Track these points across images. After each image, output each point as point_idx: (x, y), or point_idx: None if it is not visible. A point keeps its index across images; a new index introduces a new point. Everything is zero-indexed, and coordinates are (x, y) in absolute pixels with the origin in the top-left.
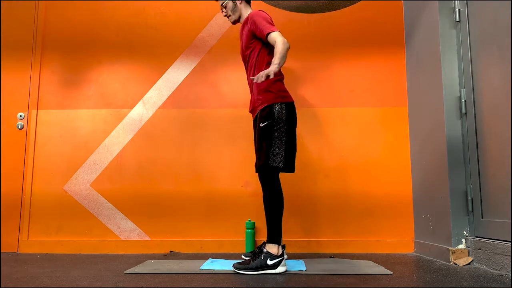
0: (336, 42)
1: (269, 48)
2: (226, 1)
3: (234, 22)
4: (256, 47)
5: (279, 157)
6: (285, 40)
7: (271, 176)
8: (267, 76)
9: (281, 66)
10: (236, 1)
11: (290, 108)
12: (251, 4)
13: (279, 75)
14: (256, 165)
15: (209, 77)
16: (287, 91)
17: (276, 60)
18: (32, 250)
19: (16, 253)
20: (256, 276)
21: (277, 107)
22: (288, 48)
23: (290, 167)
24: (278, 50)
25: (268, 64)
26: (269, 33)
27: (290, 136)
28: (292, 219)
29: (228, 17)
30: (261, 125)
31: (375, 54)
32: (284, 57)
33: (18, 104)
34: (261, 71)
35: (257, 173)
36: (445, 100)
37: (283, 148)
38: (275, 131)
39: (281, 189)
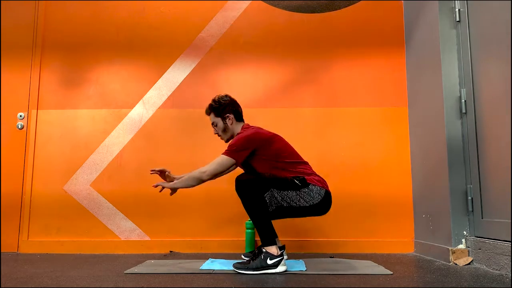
0: (336, 42)
1: (266, 158)
2: (215, 119)
3: (227, 141)
4: (253, 159)
5: (274, 203)
6: (207, 173)
7: (252, 190)
8: (172, 189)
9: (180, 187)
10: (227, 122)
11: (327, 197)
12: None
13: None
14: (244, 177)
15: (209, 77)
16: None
17: (178, 181)
18: (32, 250)
19: (16, 253)
20: (256, 276)
21: (317, 188)
22: (198, 179)
23: (271, 217)
24: (190, 174)
25: (285, 172)
26: (222, 154)
27: (295, 212)
28: (292, 219)
29: (219, 136)
30: (296, 181)
31: (375, 54)
32: (187, 182)
33: (18, 104)
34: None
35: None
36: (445, 100)
37: (283, 207)
38: (299, 196)
39: (259, 191)
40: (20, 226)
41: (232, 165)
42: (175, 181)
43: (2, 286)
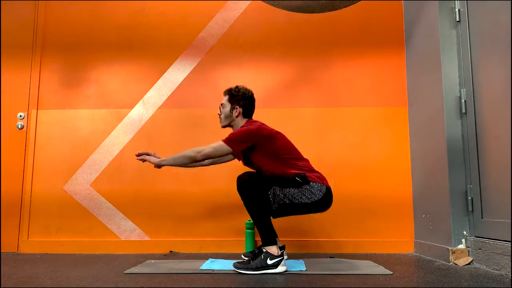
0: (336, 42)
1: (266, 154)
2: (226, 103)
3: (224, 127)
4: (253, 153)
5: (277, 201)
6: (202, 153)
7: (254, 190)
8: (156, 165)
9: (166, 164)
10: (233, 111)
11: (328, 193)
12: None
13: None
14: (245, 176)
15: (209, 77)
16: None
17: (168, 158)
18: (32, 250)
19: (16, 253)
20: (256, 276)
21: (318, 185)
22: (189, 157)
23: (275, 215)
24: (184, 152)
25: (285, 169)
26: (221, 140)
27: (298, 209)
28: (292, 219)
29: (219, 117)
30: (297, 178)
31: (375, 54)
32: (177, 160)
33: (18, 104)
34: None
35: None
36: (445, 100)
37: (286, 204)
38: (301, 193)
39: (260, 191)
40: (20, 226)
41: (228, 153)
42: (163, 158)
43: (2, 286)
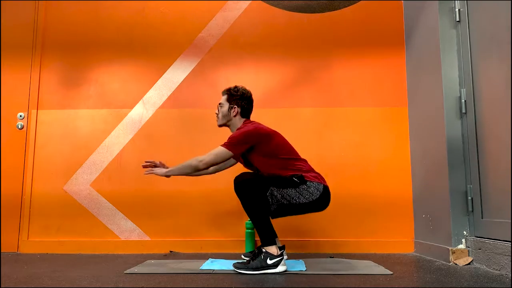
0: (336, 42)
1: (264, 154)
2: (224, 102)
3: (220, 126)
4: (251, 154)
5: (275, 202)
6: (203, 162)
7: (251, 190)
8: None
9: (173, 175)
10: (231, 111)
11: (326, 192)
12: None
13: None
14: (242, 177)
15: (209, 77)
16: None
17: (171, 168)
18: (32, 250)
19: (16, 253)
20: (256, 276)
21: (315, 184)
22: (193, 168)
23: (273, 216)
24: (187, 162)
25: (283, 169)
26: (220, 145)
27: (296, 209)
28: (292, 219)
29: (216, 116)
30: (294, 179)
31: (375, 54)
32: (182, 170)
33: (18, 104)
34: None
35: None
36: (445, 100)
37: (284, 204)
38: (298, 193)
39: (258, 191)
40: (20, 226)
41: (229, 157)
42: (168, 169)
43: (2, 286)
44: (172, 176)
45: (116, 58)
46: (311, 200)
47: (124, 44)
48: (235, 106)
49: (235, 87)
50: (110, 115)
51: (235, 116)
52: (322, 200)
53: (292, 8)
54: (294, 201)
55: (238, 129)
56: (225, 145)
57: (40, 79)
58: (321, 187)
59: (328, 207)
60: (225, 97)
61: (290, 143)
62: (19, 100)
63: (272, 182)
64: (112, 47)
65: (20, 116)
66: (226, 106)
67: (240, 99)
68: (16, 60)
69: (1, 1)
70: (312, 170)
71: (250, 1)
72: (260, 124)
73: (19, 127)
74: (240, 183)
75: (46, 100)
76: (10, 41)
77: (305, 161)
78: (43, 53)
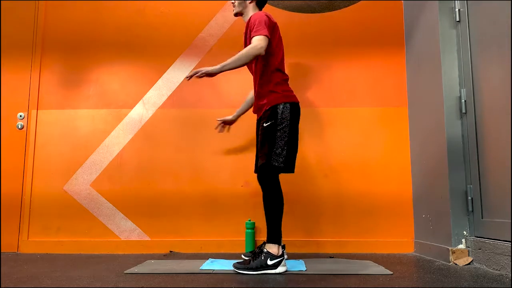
0: (336, 42)
1: (272, 53)
2: None
3: (236, 15)
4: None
5: (281, 157)
6: (259, 46)
7: (272, 176)
8: (207, 74)
9: (228, 69)
10: None
11: (294, 108)
12: (263, 9)
13: (283, 76)
14: (256, 165)
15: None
16: (291, 91)
17: (226, 62)
18: (32, 250)
19: (16, 253)
20: (256, 276)
21: (281, 106)
22: (252, 55)
23: (290, 168)
24: (240, 52)
25: (276, 70)
26: (255, 36)
27: (292, 137)
28: (292, 219)
29: (232, 5)
30: (264, 125)
31: (375, 54)
32: (238, 61)
33: (18, 104)
34: (266, 76)
35: (256, 173)
36: (445, 100)
37: (285, 148)
38: (278, 131)
39: (281, 189)
40: (20, 226)
41: (267, 41)
42: (221, 64)
43: (2, 286)
44: (172, 176)
45: (116, 58)
46: (288, 123)
47: (124, 44)
48: None
49: None
50: (110, 115)
51: (250, 2)
52: (294, 117)
53: (292, 8)
54: (284, 139)
55: (253, 16)
56: (259, 32)
57: (40, 79)
58: (287, 105)
59: (328, 206)
60: None
61: None
62: (19, 100)
63: (268, 149)
64: (112, 47)
65: (20, 116)
66: None
67: None
68: (16, 60)
69: (1, 1)
70: (285, 84)
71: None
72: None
73: (19, 127)
74: (263, 172)
75: (46, 100)
76: (10, 41)
77: (286, 75)
78: (43, 53)
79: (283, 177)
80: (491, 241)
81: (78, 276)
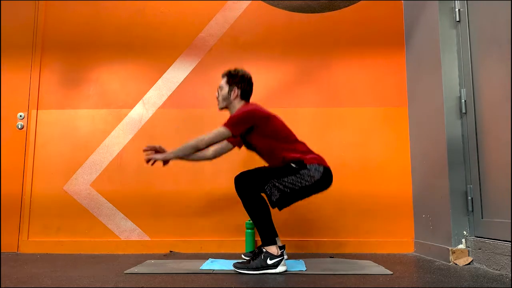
0: (336, 42)
1: (265, 135)
2: (224, 85)
3: (221, 109)
4: (252, 136)
5: (276, 190)
6: (207, 140)
7: (250, 189)
8: (163, 161)
9: (181, 156)
10: (231, 93)
11: (326, 174)
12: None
13: (303, 147)
14: (242, 175)
15: (209, 77)
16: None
17: (172, 151)
18: (32, 250)
19: (16, 253)
20: (256, 276)
21: (314, 166)
22: (195, 148)
23: (279, 206)
24: (187, 143)
25: (283, 150)
26: (221, 126)
27: (305, 191)
28: (292, 219)
29: (217, 100)
30: (292, 165)
31: (375, 54)
32: (181, 152)
33: (18, 104)
34: (275, 157)
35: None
36: (445, 100)
37: (287, 192)
38: (300, 175)
39: (256, 190)
40: (20, 226)
41: (228, 137)
42: (167, 152)
43: (2, 286)
44: (172, 176)
45: (116, 58)
46: (312, 182)
47: (124, 44)
48: (235, 88)
49: (235, 69)
50: (110, 115)
51: (235, 98)
52: (323, 181)
53: (292, 8)
54: (297, 187)
55: (237, 109)
56: (225, 124)
57: (40, 79)
58: (321, 168)
59: (328, 206)
60: (224, 79)
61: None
62: (19, 100)
63: (271, 175)
64: (112, 47)
65: (20, 116)
66: (226, 88)
67: (240, 81)
68: (16, 60)
69: (1, 1)
70: (311, 152)
71: (250, 1)
72: (259, 105)
73: (19, 127)
74: (239, 180)
75: (46, 100)
76: (10, 41)
77: (303, 143)
78: (43, 53)
79: None
80: (491, 241)
81: (78, 276)
